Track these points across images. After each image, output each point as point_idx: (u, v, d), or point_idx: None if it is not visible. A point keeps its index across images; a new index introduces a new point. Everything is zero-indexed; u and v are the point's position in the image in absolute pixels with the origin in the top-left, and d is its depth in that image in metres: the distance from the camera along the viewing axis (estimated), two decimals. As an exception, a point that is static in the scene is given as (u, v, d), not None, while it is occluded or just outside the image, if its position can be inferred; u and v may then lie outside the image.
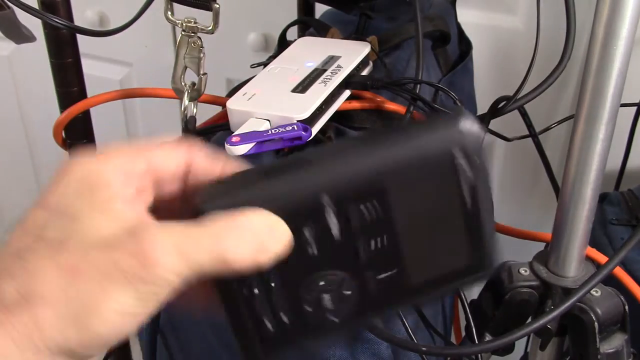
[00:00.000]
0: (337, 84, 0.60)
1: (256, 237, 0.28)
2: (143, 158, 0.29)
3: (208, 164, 0.31)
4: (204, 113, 0.66)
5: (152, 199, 0.30)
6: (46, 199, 0.28)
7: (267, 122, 0.56)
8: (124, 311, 0.26)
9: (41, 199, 0.28)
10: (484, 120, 0.64)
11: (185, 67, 0.61)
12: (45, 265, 0.26)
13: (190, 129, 0.61)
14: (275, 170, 0.30)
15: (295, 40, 0.72)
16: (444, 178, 0.30)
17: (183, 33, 0.60)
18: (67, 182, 0.28)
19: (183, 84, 0.62)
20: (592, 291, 0.57)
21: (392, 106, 0.62)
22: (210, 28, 0.59)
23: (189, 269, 0.27)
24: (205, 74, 0.61)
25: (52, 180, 0.29)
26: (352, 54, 0.64)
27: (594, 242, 0.71)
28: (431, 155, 0.30)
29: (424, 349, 0.53)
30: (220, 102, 0.66)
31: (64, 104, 0.66)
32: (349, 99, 0.62)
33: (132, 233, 0.27)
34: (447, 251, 0.32)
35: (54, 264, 0.26)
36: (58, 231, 0.27)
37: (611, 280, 0.59)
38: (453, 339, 0.79)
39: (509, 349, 0.63)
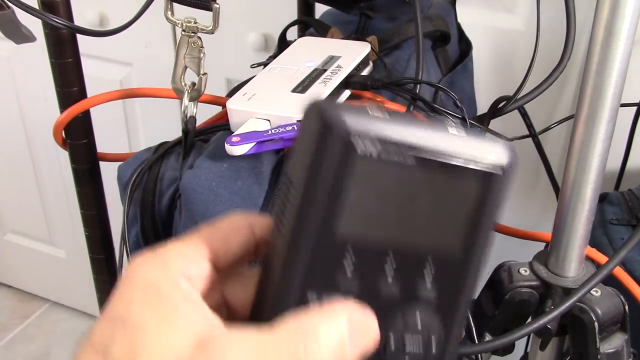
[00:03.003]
0: (337, 84, 0.60)
1: (341, 343, 0.25)
2: (204, 255, 0.28)
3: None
4: (204, 113, 0.66)
5: (220, 296, 0.29)
6: (110, 310, 0.26)
7: (267, 122, 0.56)
8: None
9: (106, 311, 0.26)
10: (484, 120, 0.64)
11: (185, 67, 0.61)
12: None
13: (190, 129, 0.61)
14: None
15: (295, 40, 0.72)
16: None
17: (183, 33, 0.60)
18: (130, 292, 0.26)
19: (183, 84, 0.62)
20: (592, 291, 0.57)
21: (392, 106, 0.62)
22: (210, 28, 0.59)
23: None
24: (205, 74, 0.61)
25: (116, 290, 0.27)
26: (352, 54, 0.64)
27: (594, 242, 0.71)
28: None
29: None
30: (220, 102, 0.66)
31: (64, 104, 0.66)
32: (349, 99, 0.62)
33: (204, 349, 0.24)
34: None
35: None
36: (125, 347, 0.24)
37: (611, 280, 0.59)
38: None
39: (509, 349, 0.63)
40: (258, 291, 0.29)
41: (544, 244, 0.64)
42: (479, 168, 0.27)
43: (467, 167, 0.27)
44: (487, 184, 0.27)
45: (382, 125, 0.26)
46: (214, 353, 0.24)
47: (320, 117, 0.26)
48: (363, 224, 0.27)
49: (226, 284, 0.30)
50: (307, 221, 0.26)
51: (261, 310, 0.28)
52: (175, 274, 0.26)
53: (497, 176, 0.27)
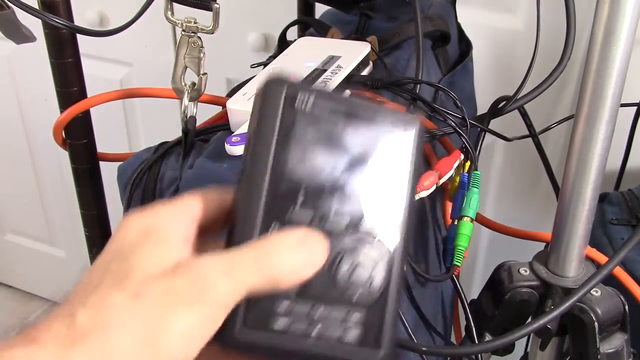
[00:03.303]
0: (337, 84, 0.60)
1: (299, 254, 0.30)
2: (188, 213, 0.33)
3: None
4: (204, 113, 0.66)
5: (196, 248, 0.33)
6: (108, 247, 0.31)
7: (267, 122, 0.56)
8: (187, 333, 0.28)
9: (106, 247, 0.31)
10: (484, 120, 0.64)
11: (185, 67, 0.61)
12: (113, 293, 0.28)
13: (190, 129, 0.61)
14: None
15: (295, 40, 0.72)
16: None
17: (183, 33, 0.60)
18: (126, 231, 0.31)
19: (183, 84, 0.62)
20: (592, 291, 0.57)
21: (392, 106, 0.62)
22: (210, 28, 0.59)
23: (241, 289, 0.29)
24: (205, 74, 0.61)
25: (114, 232, 0.32)
26: (352, 54, 0.64)
27: (594, 242, 0.71)
28: None
29: (424, 348, 0.53)
30: (220, 102, 0.66)
31: (64, 104, 0.66)
32: (349, 98, 0.62)
33: (186, 263, 0.30)
34: None
35: (120, 291, 0.28)
36: (121, 264, 0.29)
37: (611, 280, 0.59)
38: (453, 339, 0.79)
39: (509, 349, 0.63)
40: (228, 234, 0.33)
41: (544, 244, 0.64)
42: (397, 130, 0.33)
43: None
44: (405, 141, 0.33)
45: (319, 89, 0.32)
46: (197, 266, 0.29)
47: (270, 80, 0.32)
48: (308, 164, 0.32)
49: (201, 247, 0.34)
50: (261, 159, 0.32)
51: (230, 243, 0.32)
52: (164, 220, 0.32)
53: (413, 133, 0.33)
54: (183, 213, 0.33)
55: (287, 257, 0.30)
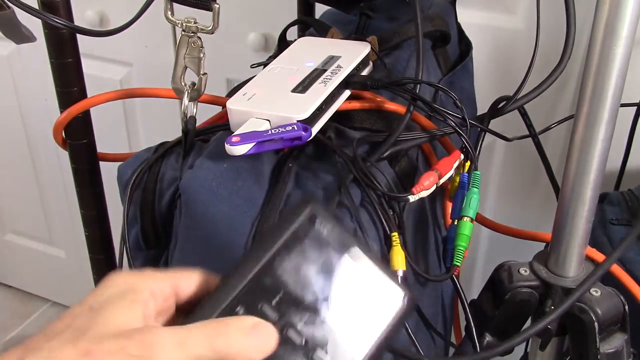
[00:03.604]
0: (337, 84, 0.60)
1: (250, 338, 0.33)
2: (169, 284, 0.35)
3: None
4: (204, 113, 0.66)
5: (167, 320, 0.35)
6: (87, 298, 0.34)
7: (267, 122, 0.56)
8: None
9: (84, 298, 0.34)
10: (484, 120, 0.64)
11: (185, 67, 0.61)
12: (65, 348, 0.31)
13: (190, 129, 0.61)
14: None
15: (295, 40, 0.72)
16: None
17: (183, 33, 0.60)
18: (105, 288, 0.34)
19: (183, 84, 0.62)
20: (592, 291, 0.57)
21: (392, 106, 0.62)
22: (210, 28, 0.59)
23: (186, 358, 0.31)
24: (205, 74, 0.61)
25: (98, 284, 0.35)
26: (352, 54, 0.64)
27: (594, 242, 0.71)
28: None
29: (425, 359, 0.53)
30: (220, 102, 0.66)
31: (64, 104, 0.66)
32: (349, 99, 0.62)
33: (142, 329, 0.32)
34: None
35: (72, 346, 0.30)
36: (84, 322, 0.32)
37: (611, 281, 0.59)
38: (453, 339, 0.79)
39: (508, 349, 0.63)
40: (194, 307, 0.35)
41: (544, 244, 0.64)
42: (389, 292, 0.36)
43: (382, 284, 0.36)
44: (393, 308, 0.35)
45: (341, 226, 0.36)
46: (151, 332, 0.31)
47: (309, 198, 0.36)
48: (299, 276, 0.34)
49: (176, 320, 0.36)
50: (261, 250, 0.34)
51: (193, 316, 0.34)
52: (144, 286, 0.34)
53: (402, 305, 0.36)
54: (167, 285, 0.35)
55: (238, 339, 0.32)
